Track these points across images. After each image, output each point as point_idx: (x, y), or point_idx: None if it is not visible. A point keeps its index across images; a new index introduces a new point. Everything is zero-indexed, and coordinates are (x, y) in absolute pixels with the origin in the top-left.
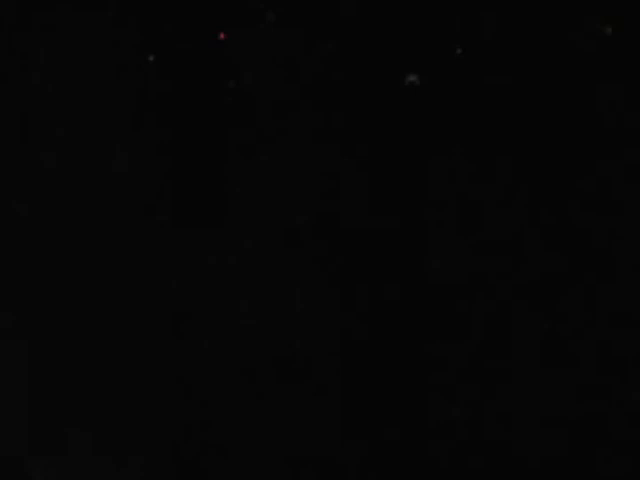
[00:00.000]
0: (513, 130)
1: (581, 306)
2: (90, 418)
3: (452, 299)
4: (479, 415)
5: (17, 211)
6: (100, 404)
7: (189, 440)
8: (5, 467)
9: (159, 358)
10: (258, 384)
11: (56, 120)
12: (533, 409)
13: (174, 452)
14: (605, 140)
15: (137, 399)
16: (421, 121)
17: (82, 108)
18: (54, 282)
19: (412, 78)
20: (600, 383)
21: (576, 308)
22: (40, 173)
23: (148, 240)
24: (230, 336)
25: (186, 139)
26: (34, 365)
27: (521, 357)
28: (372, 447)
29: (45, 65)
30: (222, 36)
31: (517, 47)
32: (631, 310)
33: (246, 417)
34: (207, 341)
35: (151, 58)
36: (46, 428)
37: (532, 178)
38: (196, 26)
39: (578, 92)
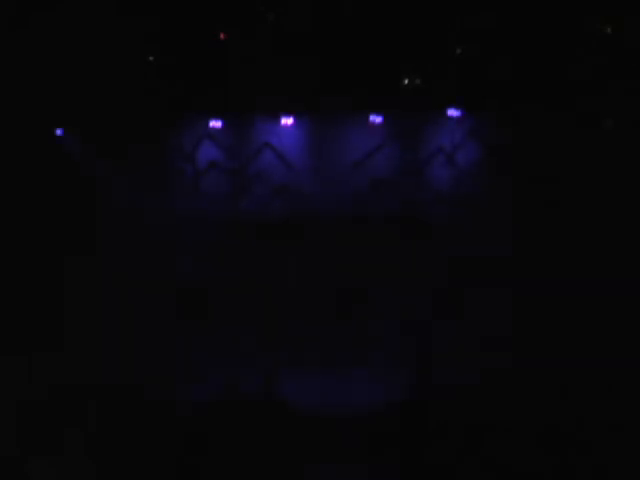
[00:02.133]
0: None
1: None
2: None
3: None
4: None
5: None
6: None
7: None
8: (5, 467)
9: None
10: None
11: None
12: None
13: (170, 453)
14: None
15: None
16: None
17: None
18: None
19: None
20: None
21: None
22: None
23: None
24: None
25: None
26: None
27: None
28: None
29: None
30: (222, 36)
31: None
32: None
33: None
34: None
35: (151, 58)
36: (44, 429)
37: None
38: (196, 26)
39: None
